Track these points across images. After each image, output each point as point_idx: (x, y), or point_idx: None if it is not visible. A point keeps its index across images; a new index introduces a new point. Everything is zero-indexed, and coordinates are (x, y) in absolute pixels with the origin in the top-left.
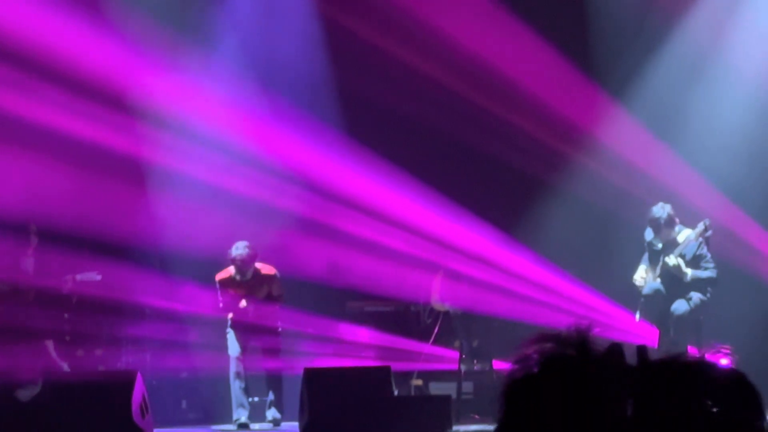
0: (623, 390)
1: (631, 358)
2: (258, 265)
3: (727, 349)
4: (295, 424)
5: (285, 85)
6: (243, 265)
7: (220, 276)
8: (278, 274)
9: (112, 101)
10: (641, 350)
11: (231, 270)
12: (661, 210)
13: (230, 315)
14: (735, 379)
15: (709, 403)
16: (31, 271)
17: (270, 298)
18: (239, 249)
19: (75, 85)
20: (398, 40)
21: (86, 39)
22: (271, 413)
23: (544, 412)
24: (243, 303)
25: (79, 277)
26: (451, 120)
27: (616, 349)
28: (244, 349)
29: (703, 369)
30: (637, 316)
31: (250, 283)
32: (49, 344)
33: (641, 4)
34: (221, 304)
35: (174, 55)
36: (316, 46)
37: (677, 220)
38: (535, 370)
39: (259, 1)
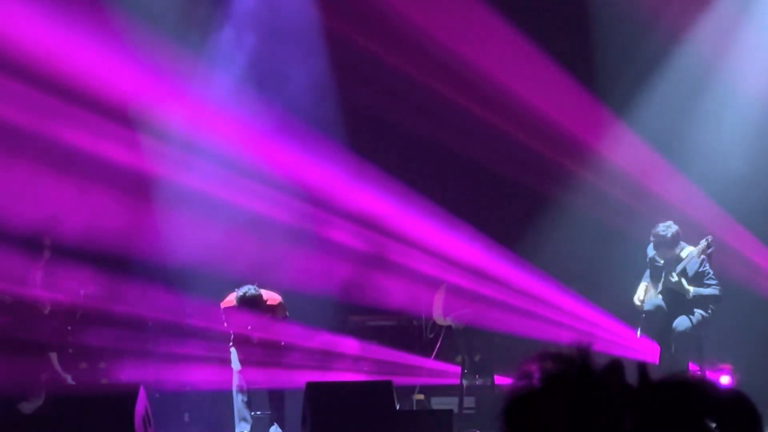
0: (622, 407)
1: (631, 374)
2: (264, 295)
3: (728, 366)
4: None
5: (289, 99)
6: (249, 308)
7: (225, 305)
8: (282, 302)
9: (118, 115)
10: (641, 368)
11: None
12: (666, 229)
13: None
14: (735, 399)
15: (709, 422)
16: (39, 284)
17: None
18: (246, 299)
19: (83, 100)
20: (402, 54)
21: (92, 53)
22: (273, 429)
23: (546, 429)
24: (249, 329)
25: (83, 292)
26: (455, 134)
27: (615, 366)
28: (247, 363)
29: (704, 388)
30: (639, 332)
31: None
32: (53, 357)
33: (644, 20)
34: (226, 324)
35: (179, 69)
36: (321, 60)
37: (681, 241)
38: (538, 387)
39: (263, 14)
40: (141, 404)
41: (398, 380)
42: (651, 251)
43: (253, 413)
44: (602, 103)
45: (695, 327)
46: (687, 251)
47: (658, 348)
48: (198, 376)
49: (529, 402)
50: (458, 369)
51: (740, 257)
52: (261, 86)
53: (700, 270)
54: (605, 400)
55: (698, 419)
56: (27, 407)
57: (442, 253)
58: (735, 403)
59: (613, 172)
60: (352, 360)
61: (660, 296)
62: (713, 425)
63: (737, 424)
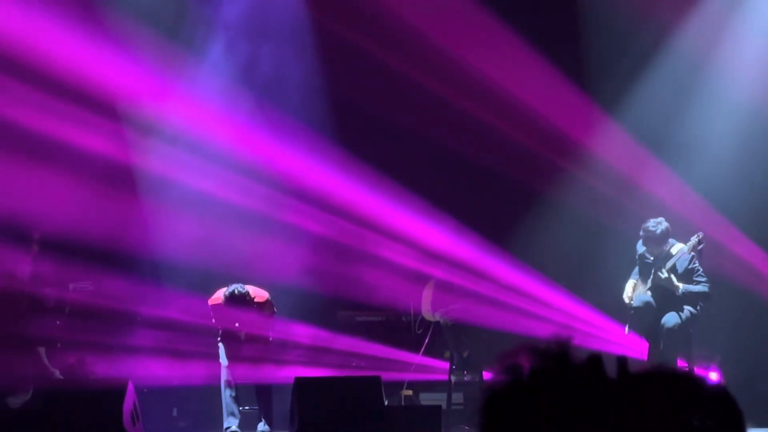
0: (605, 401)
1: (611, 369)
2: (251, 292)
3: (716, 363)
4: None
5: (277, 94)
6: (236, 306)
7: (212, 302)
8: (270, 299)
9: (105, 109)
10: (620, 361)
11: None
12: (656, 225)
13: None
14: (718, 395)
15: (691, 417)
16: (26, 278)
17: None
18: (233, 297)
19: (69, 93)
20: (393, 50)
21: (81, 47)
22: (260, 426)
23: (527, 424)
24: (236, 325)
25: (72, 286)
26: (443, 130)
27: (594, 361)
28: (234, 358)
29: (687, 382)
30: (627, 329)
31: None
32: (41, 351)
33: (634, 17)
34: (214, 320)
35: (166, 62)
36: (309, 54)
37: (671, 237)
38: (525, 381)
39: (253, 11)
40: (129, 399)
41: (387, 376)
42: (640, 247)
43: (241, 408)
44: (592, 99)
45: (684, 323)
46: (677, 248)
47: (647, 344)
48: (186, 371)
49: (511, 396)
50: (447, 365)
51: (729, 254)
52: (251, 82)
53: (690, 267)
54: (587, 394)
55: (680, 413)
56: (15, 402)
57: (431, 249)
58: (718, 399)
59: (602, 169)
60: (340, 355)
61: (649, 292)
62: (694, 420)
63: (718, 421)
